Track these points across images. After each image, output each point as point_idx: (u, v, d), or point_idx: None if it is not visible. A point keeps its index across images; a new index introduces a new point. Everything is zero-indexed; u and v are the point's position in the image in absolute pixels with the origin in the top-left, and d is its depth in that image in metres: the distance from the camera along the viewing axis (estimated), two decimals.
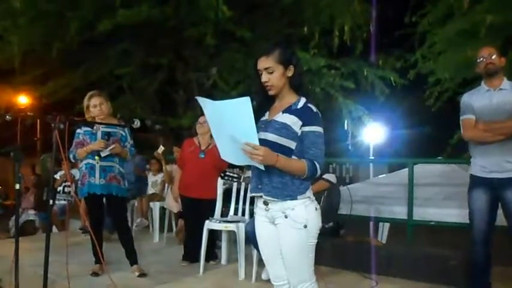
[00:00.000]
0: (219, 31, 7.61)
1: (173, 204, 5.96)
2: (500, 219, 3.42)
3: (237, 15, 7.53)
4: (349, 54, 8.97)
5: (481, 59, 3.36)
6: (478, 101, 3.35)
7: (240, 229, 4.45)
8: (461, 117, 3.44)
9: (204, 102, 2.12)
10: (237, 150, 2.09)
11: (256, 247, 3.84)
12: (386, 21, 8.44)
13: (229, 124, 2.08)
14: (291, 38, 8.57)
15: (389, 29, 8.18)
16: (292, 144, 2.19)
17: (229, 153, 2.22)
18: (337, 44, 8.15)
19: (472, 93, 3.45)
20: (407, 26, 7.58)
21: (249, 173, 4.08)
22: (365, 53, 8.94)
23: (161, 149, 6.30)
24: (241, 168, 3.85)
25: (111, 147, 4.31)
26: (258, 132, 2.06)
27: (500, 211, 3.35)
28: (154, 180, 6.95)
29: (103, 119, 4.32)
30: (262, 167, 2.12)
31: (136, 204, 6.81)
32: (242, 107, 1.97)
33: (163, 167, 6.49)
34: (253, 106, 1.98)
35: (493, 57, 3.31)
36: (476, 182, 3.39)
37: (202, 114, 5.11)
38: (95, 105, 4.34)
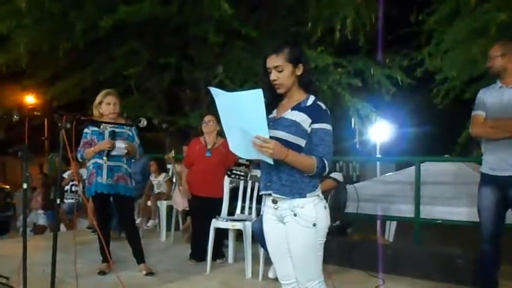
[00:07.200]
0: (224, 29, 7.61)
1: (179, 202, 5.95)
2: (511, 218, 3.41)
3: (242, 14, 7.52)
4: (355, 53, 8.94)
5: (488, 59, 3.37)
6: (491, 97, 3.31)
7: (247, 228, 4.46)
8: (472, 113, 3.42)
9: (216, 92, 2.11)
10: (247, 143, 2.07)
11: (263, 246, 3.85)
12: (393, 20, 8.40)
13: (240, 116, 2.07)
14: (297, 36, 8.56)
15: (395, 27, 8.15)
16: (302, 142, 2.18)
17: (239, 146, 2.20)
18: (342, 41, 8.11)
19: (487, 90, 3.41)
20: (414, 24, 7.55)
21: (255, 172, 4.08)
22: (372, 51, 8.91)
23: (172, 153, 6.32)
24: (248, 166, 3.83)
25: (125, 147, 4.32)
26: None
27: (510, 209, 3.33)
28: (157, 181, 6.96)
29: (112, 118, 4.34)
30: (271, 161, 2.11)
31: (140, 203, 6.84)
32: (254, 99, 1.96)
33: (173, 168, 6.51)
34: None
35: (495, 57, 3.30)
36: (484, 179, 3.37)
37: (208, 113, 5.21)
38: (109, 103, 4.36)
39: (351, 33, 7.90)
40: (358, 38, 8.25)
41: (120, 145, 4.32)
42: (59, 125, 3.00)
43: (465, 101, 7.06)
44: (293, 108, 2.23)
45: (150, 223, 6.68)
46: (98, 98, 4.42)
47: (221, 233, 4.89)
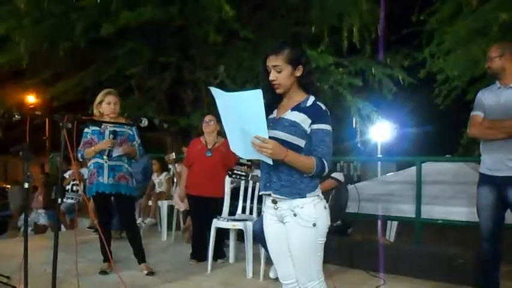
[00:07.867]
0: (225, 30, 7.61)
1: (180, 202, 5.96)
2: (510, 219, 3.40)
3: (244, 14, 7.50)
4: (357, 53, 8.94)
5: (487, 60, 3.38)
6: (489, 98, 3.33)
7: (248, 227, 4.46)
8: (471, 114, 3.43)
9: (216, 92, 2.12)
10: (247, 143, 2.08)
11: (264, 246, 3.85)
12: (394, 19, 8.40)
13: (240, 116, 2.07)
14: (298, 36, 8.55)
15: (397, 26, 8.15)
16: (301, 142, 2.18)
17: (238, 146, 2.21)
18: (345, 43, 8.13)
19: (486, 90, 3.42)
20: (415, 24, 7.54)
21: (256, 172, 4.08)
22: (373, 51, 8.91)
23: (173, 155, 6.33)
24: (249, 166, 3.84)
25: (121, 149, 4.32)
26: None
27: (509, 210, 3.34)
28: (158, 180, 6.98)
29: (112, 118, 4.34)
30: (270, 162, 2.11)
31: (141, 203, 6.85)
32: (253, 99, 1.96)
33: (174, 169, 6.51)
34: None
35: (493, 58, 3.30)
36: (482, 179, 3.38)
37: (209, 113, 5.21)
38: (109, 103, 4.37)
39: (359, 42, 7.94)
40: (365, 47, 8.30)
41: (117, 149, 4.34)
42: (60, 124, 3.00)
43: (467, 101, 7.06)
44: (293, 109, 2.23)
45: (148, 220, 6.68)
46: (98, 98, 4.43)
47: (222, 233, 4.89)
